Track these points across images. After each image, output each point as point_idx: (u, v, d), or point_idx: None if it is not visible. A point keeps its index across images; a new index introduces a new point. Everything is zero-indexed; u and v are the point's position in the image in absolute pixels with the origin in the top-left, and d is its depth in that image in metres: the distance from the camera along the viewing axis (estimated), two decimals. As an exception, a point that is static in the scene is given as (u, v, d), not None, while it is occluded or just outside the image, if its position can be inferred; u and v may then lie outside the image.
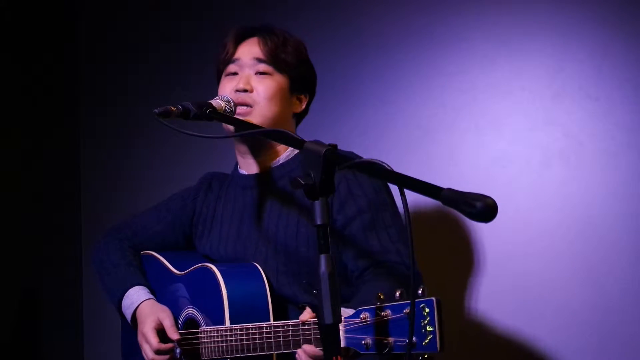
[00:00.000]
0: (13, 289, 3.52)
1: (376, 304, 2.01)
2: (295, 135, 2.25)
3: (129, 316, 2.70)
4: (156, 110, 2.35)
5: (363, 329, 2.02)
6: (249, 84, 2.63)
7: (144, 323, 2.62)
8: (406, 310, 1.94)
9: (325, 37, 3.38)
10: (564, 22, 3.05)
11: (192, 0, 3.74)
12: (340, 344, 1.93)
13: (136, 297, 2.69)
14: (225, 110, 2.52)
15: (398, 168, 2.11)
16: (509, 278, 3.06)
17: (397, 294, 1.98)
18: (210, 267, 2.54)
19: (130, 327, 2.73)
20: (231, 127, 2.61)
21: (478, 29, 3.17)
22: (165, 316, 2.62)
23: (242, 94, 2.61)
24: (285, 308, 2.53)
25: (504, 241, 3.08)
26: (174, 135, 2.37)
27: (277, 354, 2.39)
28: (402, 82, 3.28)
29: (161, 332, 2.61)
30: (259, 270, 2.55)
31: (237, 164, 2.79)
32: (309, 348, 2.29)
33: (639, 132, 2.96)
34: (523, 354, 3.02)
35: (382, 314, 1.99)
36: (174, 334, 2.58)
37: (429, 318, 1.91)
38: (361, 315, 2.03)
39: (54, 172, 3.77)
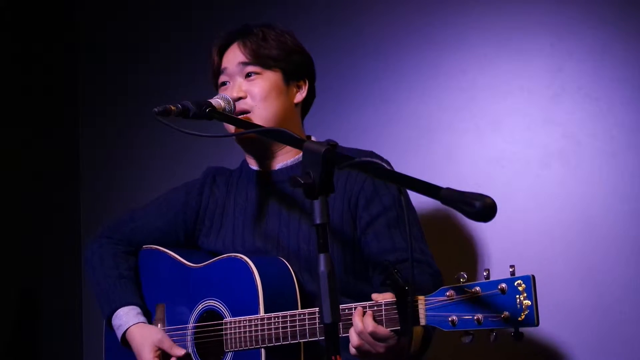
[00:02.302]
0: (13, 289, 3.52)
1: (460, 282, 2.05)
2: (295, 135, 2.25)
3: (118, 335, 2.69)
4: (155, 110, 2.35)
5: (448, 306, 2.06)
6: (241, 90, 2.62)
7: (141, 354, 2.61)
8: (502, 286, 1.99)
9: (325, 37, 3.38)
10: (563, 22, 3.05)
11: (192, 0, 3.74)
12: (338, 344, 1.93)
13: (125, 320, 2.67)
14: (224, 109, 2.52)
15: (397, 167, 2.12)
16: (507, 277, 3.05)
17: (485, 272, 2.04)
18: (241, 257, 2.51)
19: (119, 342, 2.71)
20: (231, 126, 2.62)
21: (477, 29, 3.17)
22: (160, 339, 2.61)
23: (238, 102, 2.60)
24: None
25: (502, 241, 3.08)
26: (174, 134, 2.37)
27: (304, 342, 2.38)
28: (401, 82, 3.28)
29: (163, 354, 2.61)
30: (285, 263, 2.55)
31: (246, 160, 2.77)
32: (370, 322, 2.21)
33: (638, 132, 2.96)
34: (522, 353, 3.02)
35: (472, 290, 2.02)
36: (178, 351, 2.58)
37: (525, 293, 1.97)
38: (447, 293, 2.07)
39: (54, 172, 3.77)
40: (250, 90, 2.63)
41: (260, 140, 2.63)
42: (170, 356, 2.60)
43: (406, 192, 2.57)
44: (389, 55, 3.30)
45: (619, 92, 2.98)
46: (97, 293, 2.77)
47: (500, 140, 3.12)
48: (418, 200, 2.41)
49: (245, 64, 2.64)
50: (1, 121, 3.53)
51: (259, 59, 2.64)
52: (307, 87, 2.72)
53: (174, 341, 2.63)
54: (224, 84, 2.68)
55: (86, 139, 3.88)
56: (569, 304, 2.98)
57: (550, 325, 2.99)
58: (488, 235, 3.11)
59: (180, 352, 2.59)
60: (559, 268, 3.01)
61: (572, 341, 3.00)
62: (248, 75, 2.64)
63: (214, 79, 2.73)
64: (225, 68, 2.67)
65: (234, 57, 2.67)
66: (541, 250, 3.04)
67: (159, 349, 2.61)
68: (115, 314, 2.69)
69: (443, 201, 1.83)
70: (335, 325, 1.92)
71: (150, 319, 2.72)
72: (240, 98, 2.61)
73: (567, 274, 3.01)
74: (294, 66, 2.68)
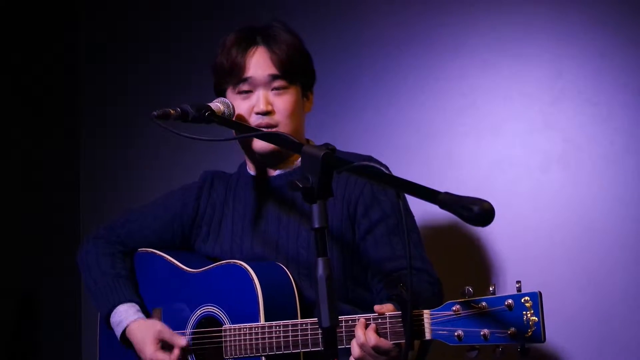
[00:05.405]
0: (12, 290, 3.52)
1: (466, 297, 2.05)
2: (293, 139, 2.24)
3: (118, 333, 2.67)
4: (155, 113, 2.34)
5: (454, 321, 2.07)
6: (269, 104, 2.58)
7: (143, 349, 2.59)
8: (509, 302, 2.00)
9: (326, 40, 3.38)
10: (563, 27, 3.05)
11: (192, 1, 3.74)
12: (337, 348, 1.93)
13: (125, 316, 2.66)
14: (224, 113, 2.51)
15: (397, 171, 2.12)
16: (508, 282, 3.05)
17: (491, 288, 2.04)
18: (241, 264, 2.50)
19: (116, 339, 2.69)
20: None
21: (478, 34, 3.17)
22: (159, 329, 2.59)
23: (265, 116, 2.57)
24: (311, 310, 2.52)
25: (502, 245, 3.08)
26: (174, 135, 2.37)
27: (304, 352, 2.38)
28: (402, 86, 3.28)
29: (164, 344, 2.58)
30: (285, 269, 2.54)
31: (244, 164, 2.76)
32: (373, 335, 2.22)
33: (638, 136, 2.96)
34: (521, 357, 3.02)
35: (480, 305, 2.03)
36: (179, 340, 2.56)
37: (532, 310, 1.99)
38: (453, 308, 2.08)
39: (54, 172, 3.77)
40: (276, 104, 2.58)
41: (282, 152, 2.60)
42: (172, 348, 2.57)
43: (404, 198, 2.57)
44: (390, 59, 3.30)
45: (619, 96, 2.98)
46: (93, 291, 2.75)
47: (501, 145, 3.12)
48: (420, 204, 2.41)
49: (275, 77, 2.58)
50: (1, 121, 3.53)
51: (287, 73, 2.58)
52: (312, 95, 2.71)
53: None
54: (244, 92, 2.60)
55: (86, 139, 3.88)
56: (569, 308, 2.98)
57: (550, 329, 2.97)
58: (488, 239, 3.10)
59: (182, 341, 2.55)
60: (559, 272, 3.01)
61: (571, 344, 2.99)
62: (274, 89, 2.59)
63: (226, 81, 2.64)
64: (251, 77, 2.59)
65: (261, 65, 2.59)
66: (541, 254, 3.04)
67: (160, 340, 2.58)
68: (115, 311, 2.68)
69: (441, 206, 1.83)
70: (333, 330, 1.92)
71: None
72: (267, 112, 2.57)
73: (567, 278, 3.01)
74: (309, 78, 2.67)
